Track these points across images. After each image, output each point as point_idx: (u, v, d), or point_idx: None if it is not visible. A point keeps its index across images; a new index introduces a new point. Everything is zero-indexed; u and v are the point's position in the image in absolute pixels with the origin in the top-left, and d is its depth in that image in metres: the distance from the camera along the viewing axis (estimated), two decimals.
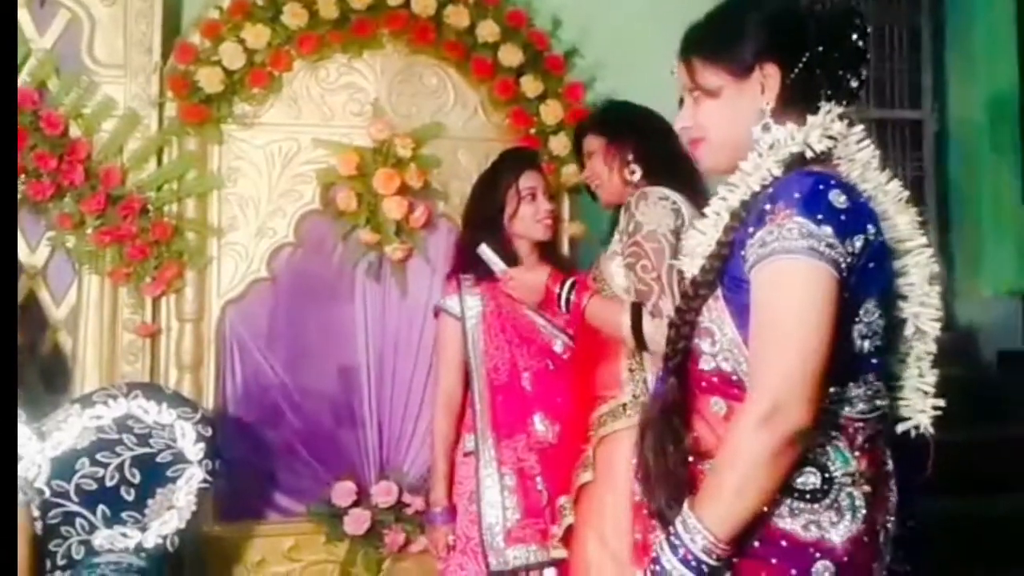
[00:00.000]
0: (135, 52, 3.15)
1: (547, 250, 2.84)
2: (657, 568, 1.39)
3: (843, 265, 1.35)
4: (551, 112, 3.36)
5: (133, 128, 3.10)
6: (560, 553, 2.48)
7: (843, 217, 1.37)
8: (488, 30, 3.31)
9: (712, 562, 1.36)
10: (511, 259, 2.71)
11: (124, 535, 2.52)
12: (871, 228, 1.40)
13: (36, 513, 2.41)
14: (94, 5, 3.14)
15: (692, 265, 1.53)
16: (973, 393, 4.23)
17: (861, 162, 1.54)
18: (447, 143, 3.35)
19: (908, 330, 1.55)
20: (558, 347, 2.69)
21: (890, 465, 1.52)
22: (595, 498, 2.33)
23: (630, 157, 2.46)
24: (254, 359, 3.20)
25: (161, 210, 3.08)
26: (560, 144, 3.34)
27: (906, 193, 1.59)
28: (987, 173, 4.66)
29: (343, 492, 3.15)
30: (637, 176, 2.44)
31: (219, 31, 3.13)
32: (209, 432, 2.60)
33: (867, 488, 1.44)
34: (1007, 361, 4.46)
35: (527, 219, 2.73)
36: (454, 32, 3.30)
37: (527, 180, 2.74)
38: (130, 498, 2.53)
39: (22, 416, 2.53)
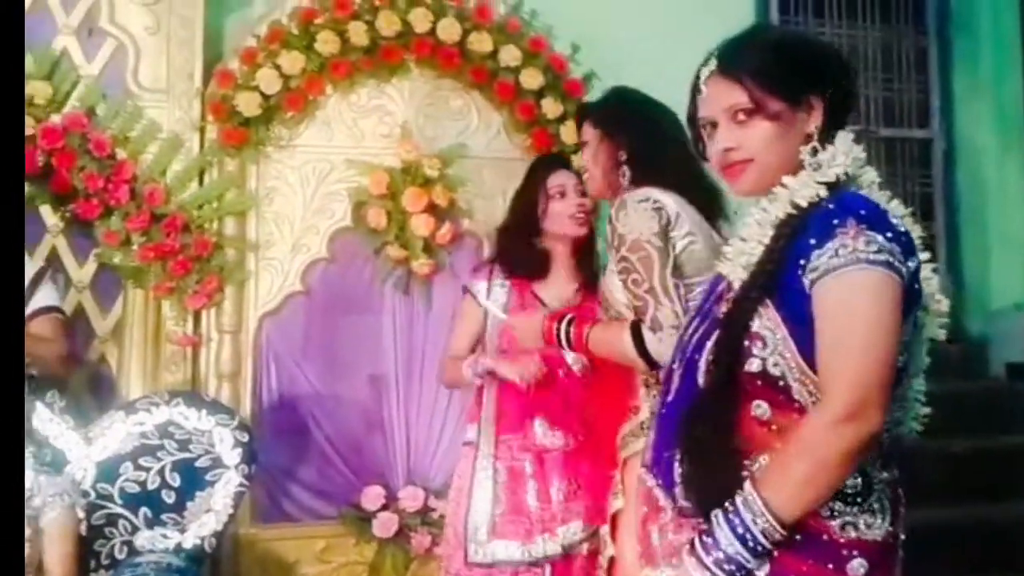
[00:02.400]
0: (177, 78, 3.21)
1: (582, 253, 2.67)
2: (709, 541, 1.38)
3: (907, 281, 1.39)
4: (571, 132, 3.36)
5: (176, 150, 3.15)
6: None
7: (903, 239, 1.41)
8: (510, 55, 3.35)
9: (767, 545, 1.36)
10: (545, 262, 2.63)
11: (164, 536, 2.54)
12: (916, 252, 1.45)
13: (82, 514, 2.42)
14: (139, 34, 3.20)
15: (734, 271, 1.52)
16: (984, 404, 4.21)
17: (868, 182, 1.56)
18: (472, 163, 3.38)
19: (918, 341, 1.55)
20: (571, 359, 2.54)
21: (897, 472, 1.52)
22: (629, 522, 2.10)
23: (622, 157, 2.29)
24: (289, 368, 3.25)
25: (202, 227, 3.12)
26: (581, 162, 3.35)
27: (908, 210, 1.61)
28: (994, 190, 4.62)
29: (372, 497, 3.18)
30: (627, 179, 2.27)
31: (256, 58, 3.18)
32: (246, 438, 2.61)
33: (891, 494, 1.47)
34: (1016, 373, 4.41)
35: (558, 216, 2.59)
36: (478, 57, 3.34)
37: (556, 178, 2.62)
38: (170, 501, 2.55)
39: (70, 422, 2.58)
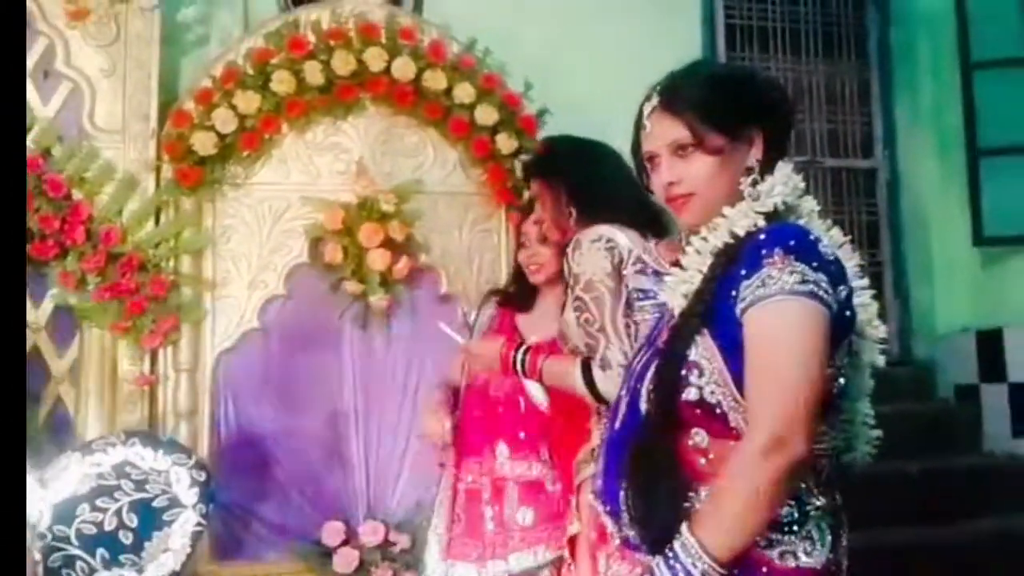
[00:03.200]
0: (133, 119, 3.19)
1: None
2: None
3: (834, 310, 1.40)
4: None
5: (132, 190, 3.13)
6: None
7: (832, 268, 1.42)
8: (464, 92, 3.36)
9: None
10: (530, 296, 2.62)
11: None
12: (849, 279, 1.47)
13: (38, 557, 2.40)
14: (94, 75, 3.19)
15: (674, 299, 1.54)
16: (933, 425, 4.27)
17: (807, 211, 1.59)
18: (428, 198, 3.39)
19: (858, 366, 1.58)
20: (533, 391, 2.48)
21: (839, 499, 1.53)
22: (585, 546, 2.18)
23: (564, 200, 2.34)
24: (247, 406, 3.21)
25: (159, 266, 3.09)
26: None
27: (847, 239, 1.64)
28: (937, 217, 4.71)
29: (332, 532, 3.14)
30: (573, 217, 2.31)
31: (212, 98, 3.17)
32: (203, 477, 2.58)
33: (831, 520, 1.46)
34: (964, 394, 4.47)
35: (522, 261, 2.61)
36: (432, 94, 3.35)
37: (525, 225, 2.61)
38: (128, 542, 2.51)
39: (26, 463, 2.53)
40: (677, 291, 1.54)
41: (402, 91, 3.33)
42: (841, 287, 1.43)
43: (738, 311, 1.42)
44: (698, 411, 1.45)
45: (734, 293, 1.43)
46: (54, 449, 2.85)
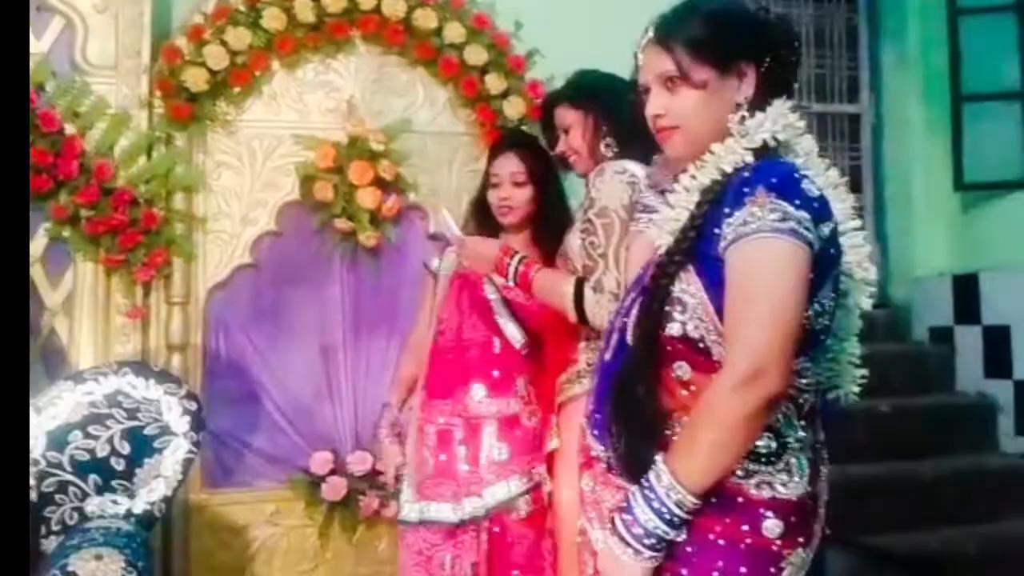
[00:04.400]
0: (125, 55, 3.13)
1: (541, 237, 2.57)
2: (628, 518, 1.40)
3: (816, 248, 1.38)
4: (514, 108, 3.37)
5: (124, 126, 3.09)
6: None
7: (815, 204, 1.40)
8: (454, 31, 3.32)
9: (683, 515, 1.38)
10: (493, 232, 2.57)
11: (114, 502, 2.51)
12: (834, 217, 1.45)
13: (32, 482, 2.41)
14: (87, 11, 3.13)
15: (661, 237, 1.54)
16: (908, 366, 4.30)
17: (805, 151, 1.57)
18: (417, 138, 3.37)
19: (845, 306, 1.58)
20: (509, 331, 2.51)
21: (822, 435, 1.54)
22: (564, 461, 2.27)
23: (604, 130, 2.35)
24: (238, 339, 3.22)
25: (151, 201, 3.07)
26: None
27: (844, 180, 1.62)
28: (920, 162, 4.68)
29: (321, 461, 3.18)
30: (612, 150, 2.32)
31: (203, 35, 3.13)
32: (194, 406, 2.59)
33: (810, 454, 1.47)
34: (938, 336, 4.50)
35: (492, 203, 2.58)
36: (423, 34, 3.31)
37: (497, 166, 2.57)
38: (120, 468, 2.53)
39: None
40: (664, 229, 1.53)
41: (393, 30, 3.29)
42: (824, 224, 1.41)
43: (720, 248, 1.41)
44: (681, 345, 1.45)
45: (717, 231, 1.42)
46: (47, 379, 2.87)
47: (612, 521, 1.43)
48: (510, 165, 2.57)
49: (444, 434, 2.51)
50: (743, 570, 1.39)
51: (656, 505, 1.38)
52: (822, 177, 1.56)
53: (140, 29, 3.16)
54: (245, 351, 3.22)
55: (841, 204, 1.58)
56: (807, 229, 1.37)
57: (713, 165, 1.50)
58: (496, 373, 2.51)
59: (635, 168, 2.19)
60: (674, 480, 1.37)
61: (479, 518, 2.44)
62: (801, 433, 1.46)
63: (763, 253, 1.37)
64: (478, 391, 2.50)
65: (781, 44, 1.57)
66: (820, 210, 1.41)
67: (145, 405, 2.56)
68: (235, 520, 3.13)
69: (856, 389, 1.65)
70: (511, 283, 2.35)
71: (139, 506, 2.53)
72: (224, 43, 3.13)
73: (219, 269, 3.19)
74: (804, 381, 1.46)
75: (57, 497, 2.48)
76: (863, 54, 4.96)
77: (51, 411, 2.53)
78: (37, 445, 2.49)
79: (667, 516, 1.37)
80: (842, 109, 4.94)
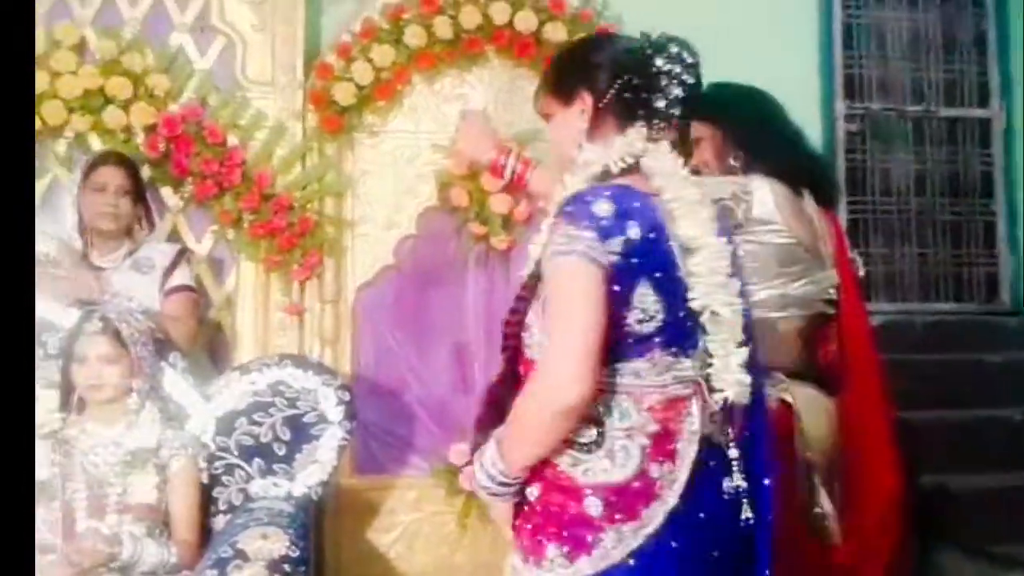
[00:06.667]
0: (281, 71, 3.32)
1: None
2: (477, 465, 1.57)
3: (605, 262, 1.43)
4: None
5: (281, 137, 3.28)
6: None
7: (603, 222, 1.43)
8: None
9: (509, 481, 1.52)
10: None
11: (275, 484, 2.63)
12: (633, 230, 1.45)
13: (203, 465, 2.53)
14: (246, 31, 3.32)
15: (527, 265, 1.60)
16: None
17: (664, 173, 1.57)
18: (545, 146, 3.36)
19: (705, 315, 1.55)
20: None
21: (696, 425, 1.52)
22: None
23: (733, 144, 2.34)
24: (383, 335, 3.37)
25: (305, 207, 3.25)
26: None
27: (702, 197, 1.59)
28: None
29: (458, 453, 3.26)
30: (739, 162, 2.32)
31: (351, 52, 3.29)
32: (347, 397, 2.68)
33: (645, 441, 1.49)
34: None
35: None
36: (552, 46, 3.37)
37: None
38: (281, 453, 2.64)
39: (191, 381, 2.71)
40: (531, 258, 1.59)
41: (524, 43, 3.39)
42: (614, 239, 1.43)
43: None
44: (534, 364, 1.55)
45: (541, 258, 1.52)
46: (214, 369, 3.07)
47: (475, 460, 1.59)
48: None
49: None
50: (565, 534, 1.49)
51: (487, 468, 1.54)
52: (676, 196, 1.54)
53: (294, 47, 3.35)
54: (389, 346, 3.36)
55: (693, 219, 1.55)
56: (589, 247, 1.42)
57: (559, 195, 1.55)
58: None
59: (756, 185, 2.21)
60: (496, 456, 1.52)
61: None
62: (633, 421, 1.49)
63: (553, 276, 1.47)
64: None
65: (631, 70, 1.58)
66: (608, 227, 1.43)
67: (304, 395, 2.66)
68: (381, 504, 3.27)
69: (737, 392, 1.55)
70: (505, 179, 2.25)
71: (298, 488, 2.63)
72: (370, 60, 3.29)
73: (366, 269, 3.34)
74: (644, 380, 1.49)
75: (224, 479, 2.62)
76: (992, 59, 4.80)
77: (220, 399, 2.67)
78: (207, 430, 2.64)
79: (496, 479, 1.53)
80: (972, 114, 4.78)
